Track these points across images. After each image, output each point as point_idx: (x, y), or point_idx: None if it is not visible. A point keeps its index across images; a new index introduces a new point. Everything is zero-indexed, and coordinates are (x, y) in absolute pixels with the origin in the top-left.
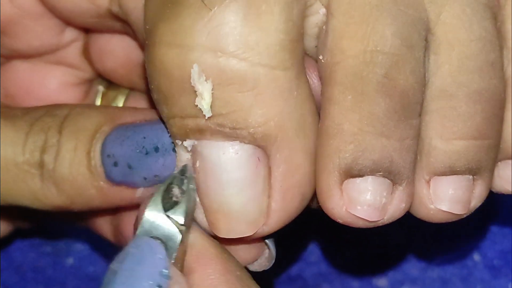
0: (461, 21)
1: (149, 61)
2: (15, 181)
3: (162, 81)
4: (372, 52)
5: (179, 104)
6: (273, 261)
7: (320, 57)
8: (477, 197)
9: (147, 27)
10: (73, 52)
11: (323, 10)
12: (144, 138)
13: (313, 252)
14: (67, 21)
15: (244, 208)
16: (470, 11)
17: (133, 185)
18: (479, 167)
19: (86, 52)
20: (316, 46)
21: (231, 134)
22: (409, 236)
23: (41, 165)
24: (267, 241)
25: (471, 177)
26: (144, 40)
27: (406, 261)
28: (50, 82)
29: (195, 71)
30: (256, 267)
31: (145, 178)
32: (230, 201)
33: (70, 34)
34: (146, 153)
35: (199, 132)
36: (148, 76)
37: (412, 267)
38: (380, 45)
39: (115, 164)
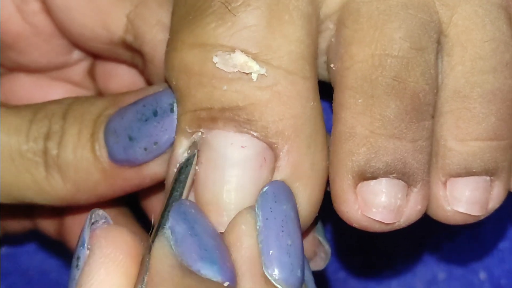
0: (473, 22)
1: (168, 63)
2: (20, 172)
3: (180, 78)
4: (380, 55)
5: (196, 97)
6: (328, 261)
7: (332, 65)
8: (495, 198)
9: (169, 37)
10: (79, 71)
11: (332, 26)
12: (144, 106)
13: None
14: (77, 44)
15: (237, 206)
16: (482, 12)
17: (135, 161)
18: (496, 168)
19: (91, 72)
20: (325, 61)
21: (244, 124)
22: (416, 250)
23: (45, 152)
24: (321, 239)
25: (488, 178)
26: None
27: (412, 274)
28: (52, 98)
29: (217, 59)
30: (312, 266)
31: (145, 149)
32: (226, 195)
33: (78, 54)
34: (146, 120)
35: (212, 121)
36: (167, 78)
37: (417, 281)
38: (388, 49)
39: (117, 139)
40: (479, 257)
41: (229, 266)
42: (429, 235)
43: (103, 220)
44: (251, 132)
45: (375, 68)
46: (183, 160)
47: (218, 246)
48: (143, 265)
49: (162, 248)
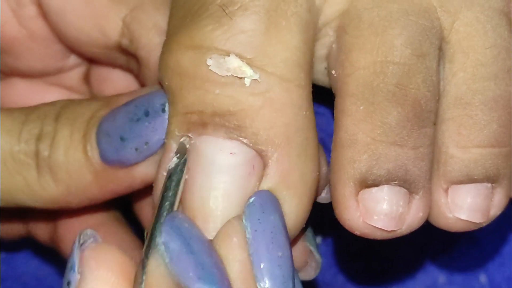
0: (475, 28)
1: (162, 64)
2: (11, 174)
3: (173, 79)
4: (382, 62)
5: (187, 100)
6: (319, 270)
7: (333, 72)
8: (497, 205)
9: (165, 39)
10: (75, 76)
11: (332, 32)
12: (136, 106)
13: None
14: (73, 49)
15: (224, 213)
16: (484, 18)
17: (126, 162)
18: (498, 175)
19: (87, 77)
20: (325, 68)
21: (234, 131)
22: (416, 253)
23: (36, 153)
24: (312, 248)
25: (489, 185)
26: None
27: (412, 278)
28: None
29: (211, 62)
30: (302, 275)
31: (136, 149)
32: (212, 201)
33: (74, 59)
34: (137, 120)
35: (202, 126)
36: (160, 79)
37: (418, 284)
38: (389, 55)
39: (109, 140)
40: (479, 262)
41: (227, 284)
42: (429, 239)
43: (91, 239)
44: (241, 138)
45: (376, 75)
46: (172, 166)
47: (215, 263)
48: (137, 279)
49: (158, 267)
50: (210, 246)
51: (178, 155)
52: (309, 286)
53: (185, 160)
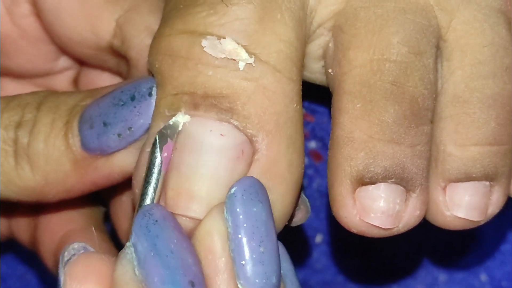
0: (472, 26)
1: (153, 47)
2: None
3: (164, 61)
4: (378, 60)
5: (178, 81)
6: (309, 215)
7: (330, 70)
8: (495, 203)
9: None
10: (64, 80)
11: (327, 32)
12: (122, 92)
13: (319, 259)
14: (64, 49)
15: (209, 194)
16: (481, 16)
17: (107, 149)
18: (496, 173)
19: (76, 82)
20: (323, 66)
21: (226, 112)
22: (417, 251)
23: (15, 141)
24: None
25: (487, 183)
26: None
27: (412, 277)
28: None
29: (206, 43)
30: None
31: (119, 135)
32: (198, 180)
33: (64, 62)
34: (123, 104)
35: (194, 106)
36: (149, 63)
37: (418, 283)
38: (386, 53)
39: (91, 126)
40: (480, 260)
41: (195, 283)
42: (429, 237)
43: (82, 251)
44: (232, 121)
45: (373, 73)
46: (149, 159)
47: (182, 263)
48: None
49: (124, 274)
50: (180, 240)
51: (158, 136)
52: (309, 286)
53: (164, 138)
